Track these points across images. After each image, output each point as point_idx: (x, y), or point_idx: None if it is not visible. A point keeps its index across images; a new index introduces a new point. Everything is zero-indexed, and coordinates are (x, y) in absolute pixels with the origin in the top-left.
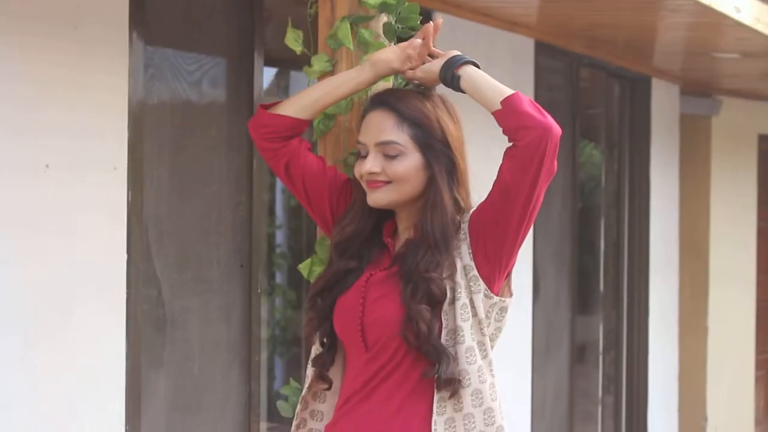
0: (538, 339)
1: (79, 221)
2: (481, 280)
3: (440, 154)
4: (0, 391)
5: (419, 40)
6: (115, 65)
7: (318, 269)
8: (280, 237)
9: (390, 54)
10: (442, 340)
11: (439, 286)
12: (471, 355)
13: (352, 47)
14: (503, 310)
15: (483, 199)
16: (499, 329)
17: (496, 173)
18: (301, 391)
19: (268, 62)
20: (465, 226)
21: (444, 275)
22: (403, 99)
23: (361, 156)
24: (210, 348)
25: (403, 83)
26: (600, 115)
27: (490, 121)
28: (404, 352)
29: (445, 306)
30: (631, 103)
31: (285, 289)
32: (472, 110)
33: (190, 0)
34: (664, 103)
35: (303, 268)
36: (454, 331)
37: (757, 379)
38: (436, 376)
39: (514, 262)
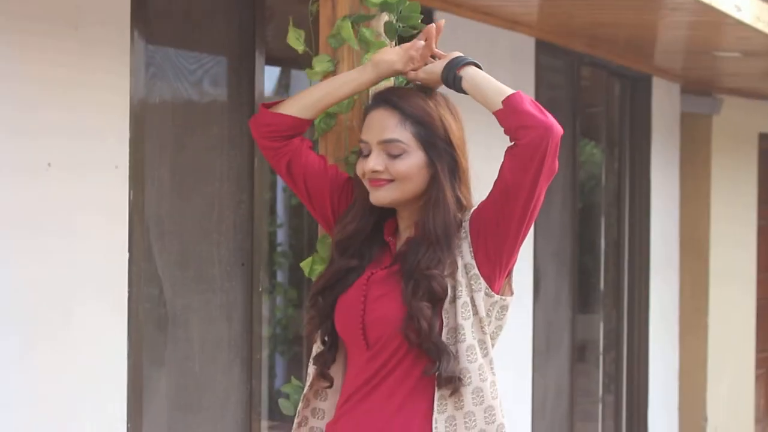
0: (538, 338)
1: (80, 221)
2: (481, 278)
3: (443, 153)
4: (0, 391)
5: (422, 42)
6: (116, 65)
7: (319, 268)
8: (281, 235)
9: (392, 55)
10: (443, 339)
11: (440, 284)
12: (472, 353)
13: (356, 47)
14: (504, 308)
15: (484, 198)
16: (499, 328)
17: (497, 172)
18: (303, 389)
19: (269, 61)
20: (466, 225)
21: (445, 273)
22: (406, 97)
23: (363, 154)
24: (211, 346)
25: (405, 83)
26: (600, 113)
27: (491, 121)
28: (405, 350)
29: (446, 304)
30: (632, 102)
31: (286, 288)
32: (473, 110)
33: None
34: (665, 102)
35: (304, 266)
36: (455, 330)
37: (758, 378)
38: (436, 374)
39: (515, 261)
